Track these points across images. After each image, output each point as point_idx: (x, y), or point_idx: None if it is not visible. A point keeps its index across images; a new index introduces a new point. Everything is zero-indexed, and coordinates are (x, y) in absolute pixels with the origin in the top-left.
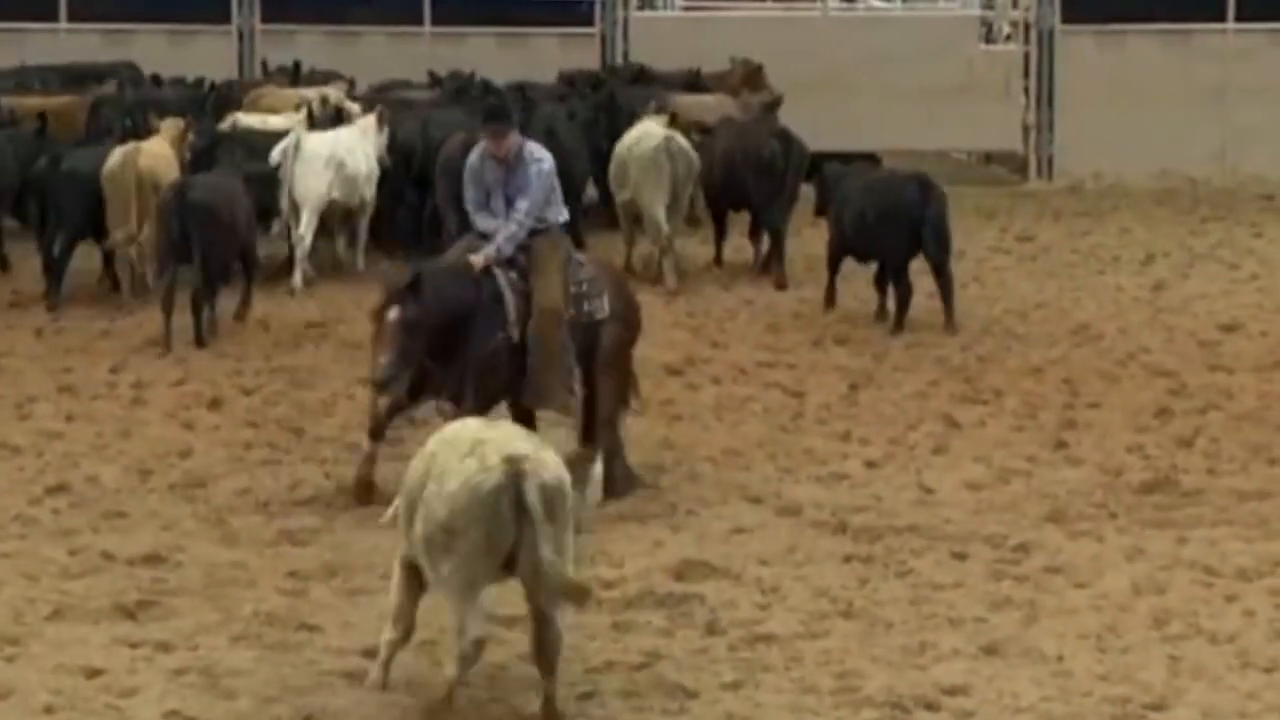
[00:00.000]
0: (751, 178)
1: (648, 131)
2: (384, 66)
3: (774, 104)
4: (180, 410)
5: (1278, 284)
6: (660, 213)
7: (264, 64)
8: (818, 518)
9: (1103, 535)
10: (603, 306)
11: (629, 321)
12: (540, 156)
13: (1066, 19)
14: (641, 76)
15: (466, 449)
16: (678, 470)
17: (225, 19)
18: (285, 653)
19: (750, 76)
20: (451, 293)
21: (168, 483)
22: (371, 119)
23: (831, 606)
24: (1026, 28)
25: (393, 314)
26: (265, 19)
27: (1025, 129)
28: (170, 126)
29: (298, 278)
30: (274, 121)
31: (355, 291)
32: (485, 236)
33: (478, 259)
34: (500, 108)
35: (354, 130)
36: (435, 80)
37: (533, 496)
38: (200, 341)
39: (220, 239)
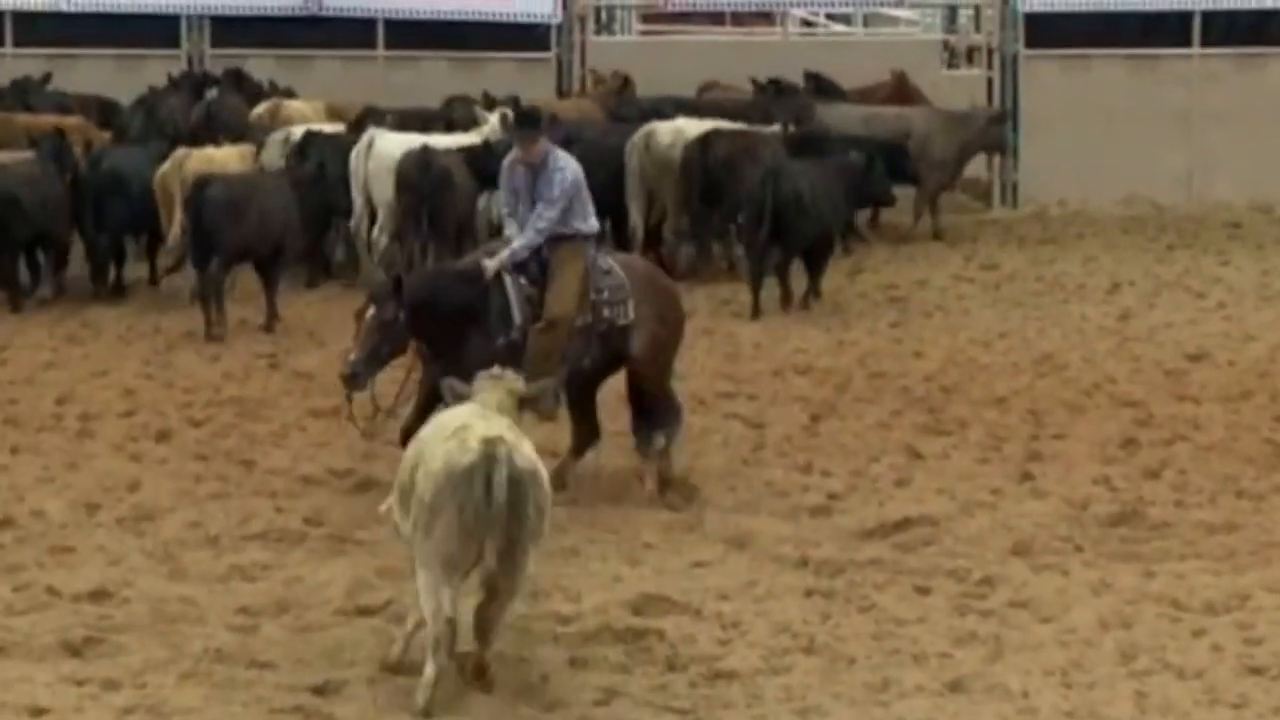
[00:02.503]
0: None
1: None
2: (337, 90)
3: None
4: (128, 442)
5: (1245, 312)
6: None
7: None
8: (779, 551)
9: (1068, 569)
10: (626, 313)
11: (665, 320)
12: (563, 165)
13: (1030, 44)
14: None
15: (450, 433)
16: (635, 503)
17: (174, 43)
18: (235, 690)
19: (900, 87)
20: (447, 295)
21: (115, 516)
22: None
23: (793, 642)
24: (990, 53)
25: (369, 313)
26: (215, 43)
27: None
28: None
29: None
30: None
31: (306, 322)
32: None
33: (490, 263)
34: (533, 113)
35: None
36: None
37: (500, 477)
38: (210, 335)
39: (237, 234)
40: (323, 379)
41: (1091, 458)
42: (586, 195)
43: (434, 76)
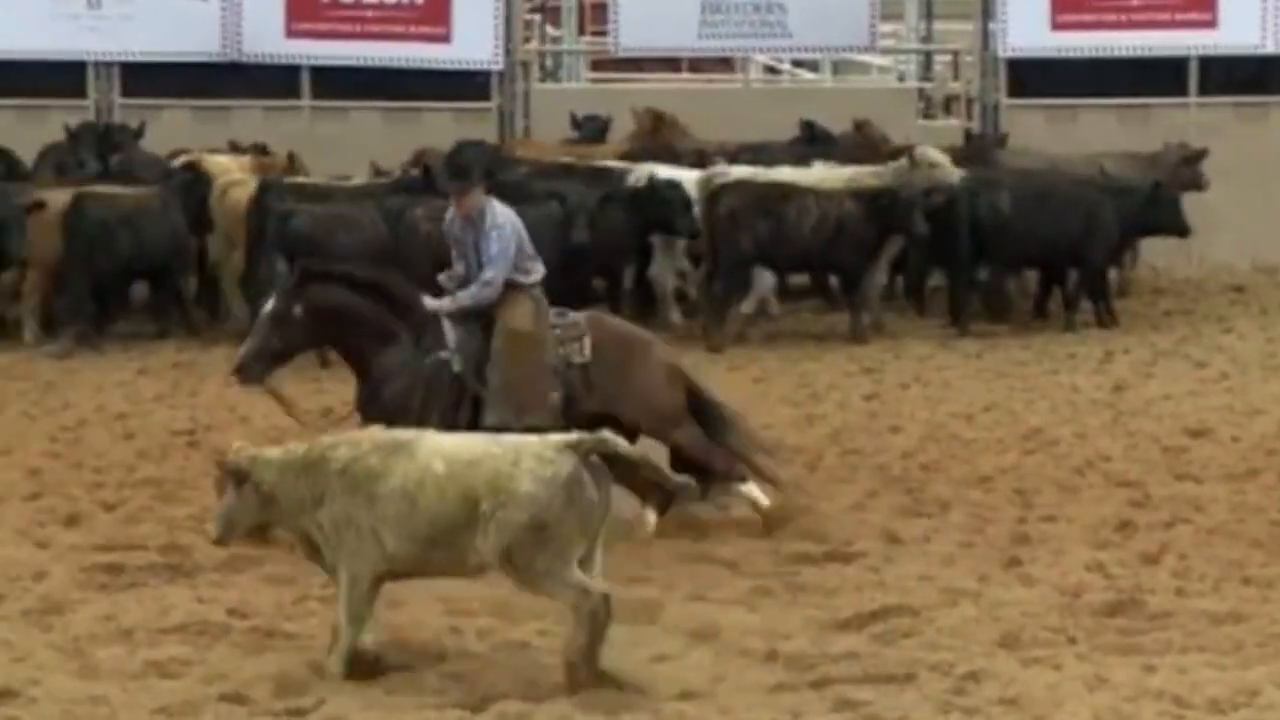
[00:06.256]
0: None
1: None
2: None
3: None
4: (34, 527)
5: (1249, 383)
6: None
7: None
8: (745, 644)
9: (1060, 663)
10: (583, 350)
11: (644, 366)
12: (501, 221)
13: (1013, 92)
14: None
15: (498, 449)
16: None
17: (80, 93)
18: None
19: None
20: (355, 304)
21: (20, 609)
22: None
23: None
24: (969, 102)
25: (267, 305)
26: (126, 93)
27: None
28: None
29: None
30: None
31: (227, 397)
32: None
33: (433, 302)
34: (464, 166)
35: None
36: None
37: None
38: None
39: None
40: None
41: (1084, 542)
42: (528, 246)
43: (365, 128)
